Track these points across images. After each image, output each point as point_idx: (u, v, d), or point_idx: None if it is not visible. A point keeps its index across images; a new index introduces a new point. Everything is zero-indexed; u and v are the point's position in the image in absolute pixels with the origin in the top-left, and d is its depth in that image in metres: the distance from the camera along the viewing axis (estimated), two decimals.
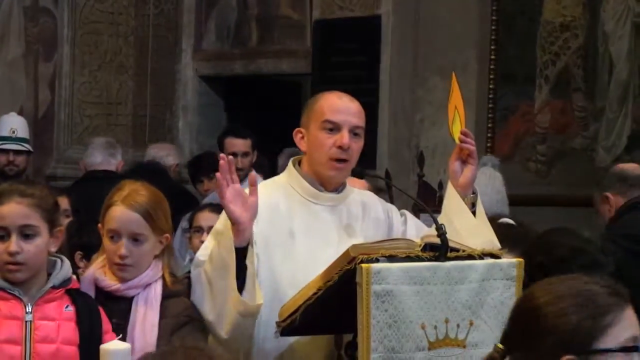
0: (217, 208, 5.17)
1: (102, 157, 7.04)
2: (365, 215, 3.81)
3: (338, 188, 3.78)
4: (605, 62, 7.10)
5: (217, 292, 3.46)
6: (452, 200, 3.72)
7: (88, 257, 5.13)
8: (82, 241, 5.18)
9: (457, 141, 3.76)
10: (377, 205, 3.88)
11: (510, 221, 4.60)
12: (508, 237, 3.83)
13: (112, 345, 3.06)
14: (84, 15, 8.88)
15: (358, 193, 3.86)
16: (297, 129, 3.78)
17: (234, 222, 3.43)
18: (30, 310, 3.24)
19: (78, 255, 5.15)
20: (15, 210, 3.25)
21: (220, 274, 3.44)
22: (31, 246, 3.25)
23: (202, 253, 3.59)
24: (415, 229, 3.85)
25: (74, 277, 3.41)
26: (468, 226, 3.62)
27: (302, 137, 3.76)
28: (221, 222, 3.55)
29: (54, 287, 3.30)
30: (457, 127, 3.76)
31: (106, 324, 3.40)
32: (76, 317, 3.30)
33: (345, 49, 7.70)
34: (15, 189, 3.30)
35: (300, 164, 3.81)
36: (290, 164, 3.84)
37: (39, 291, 3.26)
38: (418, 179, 7.00)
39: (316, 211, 3.73)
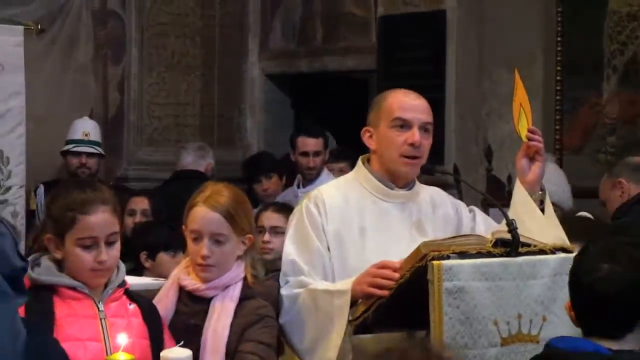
0: (280, 207, 5.20)
1: (192, 158, 7.19)
2: (435, 212, 3.83)
3: (408, 185, 3.81)
4: None
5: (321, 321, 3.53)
6: (520, 198, 3.73)
7: (153, 257, 5.23)
8: (146, 241, 5.28)
9: (524, 139, 3.77)
10: (446, 201, 3.90)
11: (588, 215, 4.58)
12: (581, 230, 3.84)
13: (172, 352, 3.12)
14: (151, 17, 8.96)
15: (427, 189, 3.88)
16: (365, 128, 3.81)
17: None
18: (102, 308, 3.32)
19: (143, 255, 5.24)
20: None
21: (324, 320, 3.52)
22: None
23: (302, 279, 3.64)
24: (484, 225, 3.86)
25: (126, 278, 3.47)
26: (538, 224, 3.63)
27: (371, 136, 3.79)
28: (345, 285, 3.56)
29: (116, 287, 3.38)
30: (524, 125, 3.76)
31: (164, 322, 3.48)
32: (141, 313, 3.38)
33: (411, 44, 7.70)
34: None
35: (369, 162, 3.85)
36: (359, 161, 3.88)
37: (106, 291, 3.34)
38: (486, 173, 6.99)
39: (386, 208, 3.77)
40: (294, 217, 3.79)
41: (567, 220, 3.97)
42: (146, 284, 3.82)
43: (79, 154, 7.35)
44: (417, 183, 3.85)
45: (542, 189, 3.79)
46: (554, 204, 4.76)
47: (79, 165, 7.31)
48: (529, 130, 3.76)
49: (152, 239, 5.29)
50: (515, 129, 3.80)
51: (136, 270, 5.10)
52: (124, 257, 5.34)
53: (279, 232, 4.96)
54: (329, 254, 3.69)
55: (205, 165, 7.20)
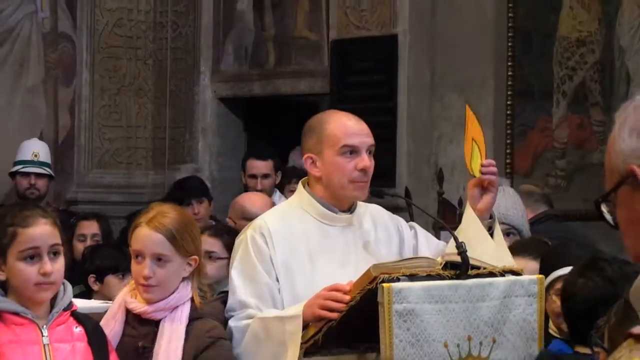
0: (215, 232, 5.13)
1: None
2: (377, 232, 3.83)
3: (351, 207, 3.81)
4: (622, 77, 7.10)
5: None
6: (471, 223, 3.73)
7: (101, 279, 5.20)
8: (94, 264, 5.25)
9: (477, 175, 3.76)
10: (386, 219, 3.89)
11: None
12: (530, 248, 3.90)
13: None
14: (103, 40, 8.94)
15: (366, 208, 3.86)
16: (307, 155, 3.77)
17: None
18: (46, 333, 3.27)
19: (91, 278, 5.21)
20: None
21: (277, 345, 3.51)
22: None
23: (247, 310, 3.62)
24: (426, 242, 3.87)
25: (73, 300, 3.44)
26: (488, 249, 3.64)
27: (313, 162, 3.76)
28: (296, 309, 3.54)
29: (62, 310, 3.34)
30: (477, 161, 3.76)
31: (110, 344, 3.44)
32: (87, 337, 3.34)
33: (363, 68, 7.72)
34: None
35: (309, 185, 3.83)
36: (300, 187, 3.84)
37: (51, 314, 3.30)
38: (438, 196, 7.01)
39: (331, 232, 3.76)
40: (238, 248, 3.74)
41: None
42: (93, 307, 3.77)
43: (27, 174, 7.28)
44: (358, 203, 3.84)
45: (492, 217, 3.81)
46: (513, 228, 4.81)
47: (28, 186, 7.24)
48: (483, 164, 3.76)
49: (100, 262, 5.27)
50: (468, 167, 3.80)
51: (86, 293, 5.07)
52: (73, 280, 5.33)
53: (214, 257, 4.92)
54: (277, 285, 3.67)
55: None
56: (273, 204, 5.83)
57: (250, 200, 5.95)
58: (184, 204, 6.80)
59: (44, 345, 3.26)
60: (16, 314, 3.26)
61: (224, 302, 3.80)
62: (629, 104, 1.87)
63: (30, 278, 3.24)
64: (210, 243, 5.01)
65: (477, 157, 3.77)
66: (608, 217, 1.84)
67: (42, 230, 3.27)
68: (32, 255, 3.25)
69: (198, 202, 6.86)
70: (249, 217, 5.72)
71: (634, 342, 1.69)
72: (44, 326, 3.28)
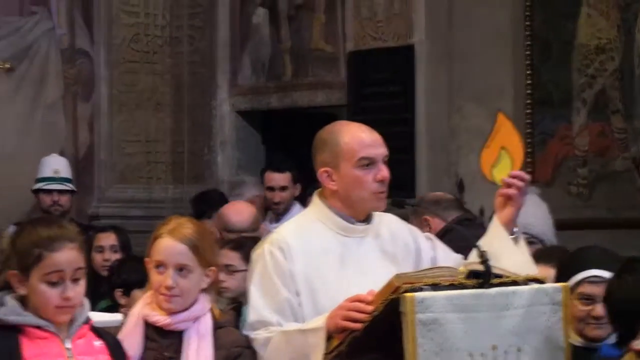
0: (236, 245, 5.11)
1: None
2: (395, 242, 3.80)
3: (367, 218, 3.79)
4: None
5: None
6: (496, 235, 3.69)
7: (128, 294, 5.20)
8: (122, 279, 5.25)
9: (498, 183, 3.71)
10: (403, 229, 3.87)
11: None
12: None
13: None
14: (120, 55, 8.97)
15: (383, 218, 3.84)
16: (322, 169, 3.72)
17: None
18: (69, 346, 3.27)
19: (118, 292, 5.21)
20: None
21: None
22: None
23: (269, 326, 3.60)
24: (444, 255, 3.85)
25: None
26: (514, 263, 3.61)
27: (329, 176, 3.73)
28: (319, 321, 3.52)
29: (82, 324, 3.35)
30: (503, 170, 3.70)
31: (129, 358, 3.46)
32: (108, 350, 3.35)
33: (380, 79, 7.71)
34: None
35: (324, 196, 3.80)
36: (315, 198, 3.82)
37: (72, 328, 3.30)
38: None
39: (349, 243, 3.74)
40: (257, 264, 3.71)
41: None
42: (104, 321, 3.77)
43: (50, 191, 7.32)
44: (374, 213, 3.82)
45: (514, 233, 3.76)
46: (534, 237, 4.77)
47: (51, 203, 7.29)
48: (510, 174, 3.71)
49: (127, 276, 5.27)
50: (486, 172, 3.75)
51: (112, 307, 5.08)
52: (98, 294, 5.33)
53: (232, 270, 4.91)
54: (297, 299, 3.65)
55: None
56: (256, 215, 5.83)
57: (236, 210, 5.92)
58: (204, 216, 6.82)
59: (69, 358, 3.26)
60: (39, 327, 3.26)
61: (237, 311, 3.81)
62: None
63: (52, 301, 3.25)
64: (229, 257, 5.01)
65: (505, 166, 3.72)
66: None
67: (68, 256, 3.27)
68: (56, 280, 3.26)
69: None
70: (232, 230, 5.74)
71: (635, 356, 1.67)
72: (67, 340, 3.28)
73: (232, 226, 5.81)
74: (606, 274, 3.71)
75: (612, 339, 3.59)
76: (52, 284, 3.26)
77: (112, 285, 5.30)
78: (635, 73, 7.08)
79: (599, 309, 3.72)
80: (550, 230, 5.27)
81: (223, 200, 7.14)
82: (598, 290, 3.73)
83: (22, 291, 3.27)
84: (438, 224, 5.22)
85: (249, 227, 5.72)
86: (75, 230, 3.37)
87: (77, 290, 3.28)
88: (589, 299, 3.79)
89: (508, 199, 3.71)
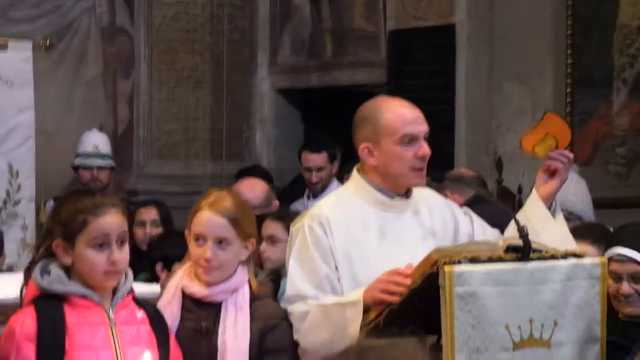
0: (278, 216, 5.13)
1: None
2: (433, 216, 3.81)
3: (406, 193, 3.79)
4: None
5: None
6: (536, 209, 3.70)
7: (168, 268, 5.24)
8: (163, 253, 5.28)
9: (540, 155, 3.73)
10: (440, 203, 3.88)
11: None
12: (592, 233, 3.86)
13: None
14: (160, 34, 8.99)
15: (421, 192, 3.85)
16: (363, 145, 3.72)
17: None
18: (112, 316, 3.31)
19: (159, 265, 5.24)
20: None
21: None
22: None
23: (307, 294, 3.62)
24: (482, 230, 3.85)
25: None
26: (553, 236, 3.61)
27: (370, 152, 3.73)
28: (357, 294, 3.54)
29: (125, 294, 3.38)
30: (548, 146, 3.73)
31: (169, 328, 3.48)
32: (149, 321, 3.38)
33: (420, 58, 7.70)
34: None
35: (363, 171, 3.81)
36: (355, 173, 3.82)
37: (115, 298, 3.34)
38: (497, 184, 6.98)
39: (389, 218, 3.75)
40: (296, 238, 3.72)
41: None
42: (142, 292, 3.81)
43: (90, 167, 7.36)
44: (412, 188, 3.82)
45: (554, 206, 3.77)
46: (572, 214, 4.76)
47: (90, 178, 7.32)
48: (557, 152, 3.73)
49: (168, 251, 5.30)
50: (525, 146, 3.77)
51: (150, 280, 5.11)
52: (136, 267, 5.36)
53: (276, 240, 4.93)
54: (337, 274, 3.66)
55: None
56: (269, 191, 5.84)
57: (249, 186, 5.92)
58: None
59: (111, 327, 3.30)
60: (83, 297, 3.29)
61: (276, 283, 3.83)
62: None
63: (99, 266, 3.28)
64: (272, 227, 5.02)
65: (549, 145, 3.74)
66: None
67: (112, 219, 3.30)
68: (102, 244, 3.29)
69: None
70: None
71: None
72: (110, 309, 3.32)
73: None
74: (633, 253, 3.70)
75: None
76: (99, 249, 3.29)
77: (151, 259, 5.32)
78: None
79: (625, 287, 3.71)
80: (589, 208, 5.25)
81: (267, 176, 7.16)
82: (624, 268, 3.72)
83: (67, 260, 3.30)
84: (457, 199, 5.22)
85: (261, 203, 5.75)
86: (116, 197, 3.41)
87: (123, 254, 3.32)
88: (617, 276, 3.79)
89: (552, 173, 3.72)
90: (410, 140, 3.70)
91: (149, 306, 3.44)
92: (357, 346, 1.94)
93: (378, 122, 3.71)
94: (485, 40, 7.58)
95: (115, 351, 3.27)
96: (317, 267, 3.64)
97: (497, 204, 5.43)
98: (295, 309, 3.63)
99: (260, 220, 4.41)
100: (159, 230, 6.19)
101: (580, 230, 4.14)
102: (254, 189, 5.88)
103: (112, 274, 3.31)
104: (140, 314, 3.38)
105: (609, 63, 7.24)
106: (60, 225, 3.32)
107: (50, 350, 3.20)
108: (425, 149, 3.70)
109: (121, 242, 3.32)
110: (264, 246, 4.97)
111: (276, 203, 5.98)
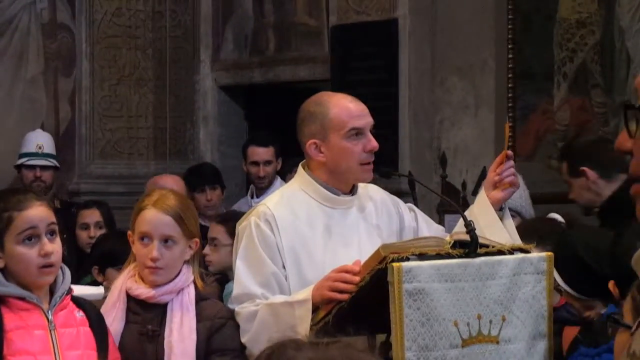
0: (223, 219, 5.12)
1: None
2: (378, 212, 3.83)
3: (352, 189, 3.80)
4: (622, 58, 7.10)
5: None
6: (483, 210, 3.72)
7: (103, 270, 5.17)
8: (99, 254, 5.22)
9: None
10: (386, 200, 3.89)
11: (558, 217, 4.61)
12: (537, 232, 3.87)
13: None
14: (102, 30, 8.92)
15: (366, 189, 3.86)
16: (311, 141, 3.72)
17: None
18: (51, 318, 3.26)
19: (95, 269, 5.17)
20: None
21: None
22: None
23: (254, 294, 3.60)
24: (426, 226, 3.87)
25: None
26: (497, 233, 3.63)
27: (317, 148, 3.73)
28: (305, 293, 3.53)
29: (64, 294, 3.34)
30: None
31: (109, 330, 3.45)
32: (88, 322, 3.34)
33: (363, 53, 7.71)
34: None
35: (309, 168, 3.80)
36: (300, 170, 3.82)
37: (53, 299, 3.29)
38: (441, 180, 7.01)
39: (334, 215, 3.75)
40: (243, 236, 3.71)
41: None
42: (87, 294, 3.76)
43: (33, 167, 7.28)
44: (358, 185, 3.83)
45: (502, 208, 3.79)
46: (511, 210, 4.79)
47: (33, 178, 7.24)
48: (502, 169, 3.77)
49: (105, 252, 5.24)
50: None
51: (96, 283, 5.06)
52: (83, 270, 5.29)
53: (217, 244, 4.93)
54: (284, 272, 3.66)
55: None
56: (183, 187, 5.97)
57: (175, 180, 6.03)
58: (197, 190, 6.80)
59: (50, 330, 3.25)
60: (21, 298, 3.24)
61: (221, 283, 3.82)
62: None
63: (32, 260, 3.22)
64: (214, 230, 5.02)
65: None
66: (630, 126, 1.87)
67: (37, 212, 3.25)
68: (30, 237, 3.23)
69: (211, 188, 6.86)
70: None
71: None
72: (49, 311, 3.27)
73: None
74: None
75: None
76: (29, 243, 3.23)
77: (90, 262, 5.26)
78: (615, 47, 7.10)
79: None
80: (528, 204, 5.29)
81: (217, 174, 7.13)
82: None
83: (0, 263, 3.25)
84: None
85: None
86: (39, 193, 3.36)
87: (55, 246, 3.26)
88: None
89: (510, 184, 3.76)
90: (357, 133, 3.70)
91: (88, 306, 3.39)
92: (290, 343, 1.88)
93: (325, 117, 3.71)
94: (427, 35, 7.61)
95: (55, 355, 3.23)
96: (264, 265, 3.63)
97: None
98: (242, 309, 3.62)
99: None
100: (102, 231, 6.14)
101: (533, 232, 4.13)
102: (178, 182, 5.95)
103: (47, 268, 3.24)
104: (80, 314, 3.33)
105: (549, 57, 7.30)
106: None
107: None
108: (373, 142, 3.71)
109: (51, 234, 3.26)
110: (207, 249, 4.97)
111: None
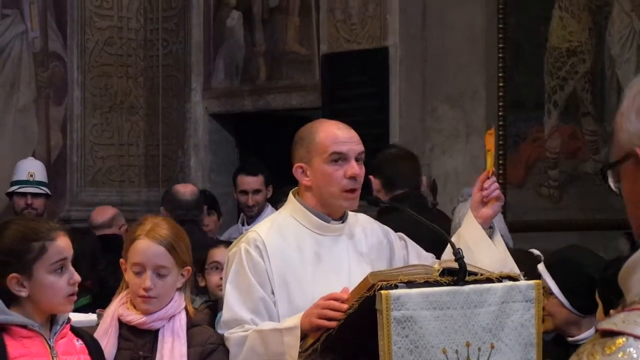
0: (228, 244, 5.13)
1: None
2: (368, 241, 3.82)
3: (342, 217, 3.80)
4: (612, 86, 7.13)
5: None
6: (472, 230, 3.72)
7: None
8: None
9: (489, 163, 3.80)
10: (376, 228, 3.89)
11: (536, 251, 4.63)
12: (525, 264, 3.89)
13: None
14: (93, 59, 8.95)
15: (356, 217, 3.86)
16: (297, 165, 3.74)
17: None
18: (53, 345, 3.27)
19: None
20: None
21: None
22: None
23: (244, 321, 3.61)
24: (416, 254, 3.87)
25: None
26: (492, 257, 3.63)
27: (303, 172, 3.75)
28: (294, 320, 3.53)
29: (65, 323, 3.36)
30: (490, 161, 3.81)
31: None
32: (88, 350, 3.36)
33: (354, 81, 7.74)
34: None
35: (299, 194, 3.82)
36: (290, 196, 3.82)
37: (54, 327, 3.31)
38: (432, 207, 7.01)
39: (324, 241, 3.75)
40: (232, 262, 3.71)
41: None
42: (80, 322, 3.77)
43: (24, 194, 7.29)
44: (348, 213, 3.84)
45: (491, 226, 3.80)
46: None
47: (24, 206, 7.26)
48: (486, 183, 3.78)
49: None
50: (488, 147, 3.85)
51: (92, 304, 5.10)
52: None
53: (220, 267, 4.92)
54: (273, 298, 3.65)
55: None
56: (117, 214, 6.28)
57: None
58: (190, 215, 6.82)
59: (53, 357, 3.27)
60: (24, 326, 3.25)
61: (212, 310, 3.82)
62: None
63: (62, 289, 3.27)
64: (220, 254, 5.01)
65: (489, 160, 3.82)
66: (612, 184, 1.86)
67: (66, 242, 3.32)
68: (62, 267, 3.27)
69: (208, 215, 6.89)
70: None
71: (599, 336, 1.69)
72: (50, 338, 3.28)
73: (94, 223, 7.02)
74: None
75: None
76: (59, 273, 3.27)
77: None
78: (605, 75, 7.13)
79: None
80: (505, 230, 5.30)
81: (213, 201, 7.15)
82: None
83: (24, 294, 3.25)
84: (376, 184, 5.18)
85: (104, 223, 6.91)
86: (53, 221, 3.40)
87: (77, 275, 3.33)
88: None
89: (496, 199, 3.76)
90: (338, 159, 3.70)
91: (86, 335, 3.43)
92: None
93: (312, 141, 3.73)
94: (418, 63, 7.64)
95: None
96: (254, 291, 3.63)
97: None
98: (232, 334, 3.62)
99: None
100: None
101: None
102: (104, 213, 6.65)
103: (73, 296, 3.30)
104: (79, 343, 3.36)
105: (540, 85, 7.33)
106: (9, 258, 3.26)
107: None
108: (354, 168, 3.69)
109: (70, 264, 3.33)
110: (213, 275, 4.98)
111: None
